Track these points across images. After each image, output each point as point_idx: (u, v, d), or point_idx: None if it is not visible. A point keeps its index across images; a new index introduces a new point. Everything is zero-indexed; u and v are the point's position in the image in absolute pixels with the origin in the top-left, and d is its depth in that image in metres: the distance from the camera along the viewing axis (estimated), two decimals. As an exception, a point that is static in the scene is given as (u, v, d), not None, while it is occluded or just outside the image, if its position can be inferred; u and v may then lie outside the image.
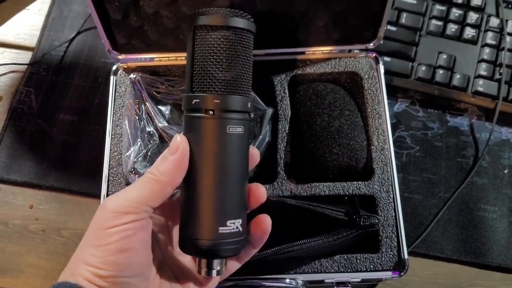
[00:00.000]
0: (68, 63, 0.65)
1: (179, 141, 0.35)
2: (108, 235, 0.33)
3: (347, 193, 0.50)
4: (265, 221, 0.39)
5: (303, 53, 0.55)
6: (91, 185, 0.58)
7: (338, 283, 0.47)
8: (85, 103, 0.63)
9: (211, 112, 0.35)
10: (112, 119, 0.53)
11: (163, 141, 0.52)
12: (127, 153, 0.50)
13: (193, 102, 0.36)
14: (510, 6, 0.63)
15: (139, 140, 0.51)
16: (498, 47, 0.61)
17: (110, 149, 0.52)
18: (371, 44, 0.54)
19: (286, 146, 0.52)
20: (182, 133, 0.37)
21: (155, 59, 0.55)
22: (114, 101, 0.54)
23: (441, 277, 0.55)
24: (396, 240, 0.48)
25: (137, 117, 0.52)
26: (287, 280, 0.47)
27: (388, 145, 0.52)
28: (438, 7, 0.63)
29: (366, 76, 0.54)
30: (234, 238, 0.36)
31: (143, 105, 0.53)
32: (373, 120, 0.53)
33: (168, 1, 0.48)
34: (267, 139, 0.52)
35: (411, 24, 0.62)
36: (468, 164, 0.59)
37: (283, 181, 0.50)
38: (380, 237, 0.48)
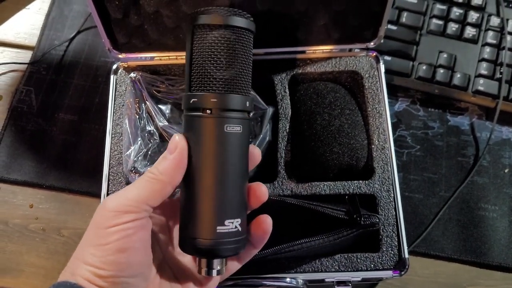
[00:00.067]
0: (68, 62, 0.65)
1: (177, 140, 0.35)
2: (108, 234, 0.33)
3: (347, 192, 0.50)
4: (266, 222, 0.38)
5: (303, 52, 0.55)
6: (91, 184, 0.58)
7: (339, 282, 0.47)
8: (85, 102, 0.63)
9: (208, 111, 0.35)
10: (113, 118, 0.53)
11: (164, 140, 0.52)
12: (127, 152, 0.50)
13: (191, 101, 0.36)
14: (510, 5, 0.63)
15: (139, 139, 0.51)
16: (498, 46, 0.61)
17: (110, 148, 0.52)
18: (372, 43, 0.54)
19: (286, 145, 0.52)
20: (182, 132, 0.37)
21: (156, 58, 0.55)
22: (115, 100, 0.54)
23: (442, 277, 0.55)
24: (396, 239, 0.48)
25: (137, 116, 0.52)
26: (288, 279, 0.47)
27: (388, 144, 0.52)
28: (439, 6, 0.63)
29: (367, 75, 0.54)
30: (233, 237, 0.36)
31: (143, 104, 0.52)
32: (374, 119, 0.53)
33: (169, 0, 0.48)
34: (267, 138, 0.52)
35: (412, 23, 0.62)
36: (468, 163, 0.59)
37: (284, 180, 0.50)
38: (380, 236, 0.48)
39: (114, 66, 0.55)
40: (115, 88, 0.54)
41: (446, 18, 0.63)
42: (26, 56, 0.66)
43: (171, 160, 0.35)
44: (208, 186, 0.35)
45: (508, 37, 0.61)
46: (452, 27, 0.62)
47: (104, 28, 0.51)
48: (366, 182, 0.50)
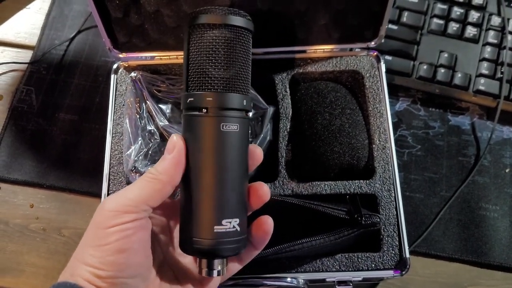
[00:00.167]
0: (69, 62, 0.65)
1: (175, 140, 0.36)
2: (107, 234, 0.33)
3: (348, 192, 0.50)
4: (267, 223, 0.38)
5: (304, 51, 0.55)
6: (92, 184, 0.58)
7: (340, 282, 0.47)
8: (86, 102, 0.63)
9: (205, 110, 0.35)
10: (113, 118, 0.53)
11: (164, 140, 0.52)
12: (128, 152, 0.50)
13: (188, 101, 0.36)
14: (511, 4, 0.63)
15: (140, 138, 0.51)
16: (499, 46, 0.61)
17: (111, 148, 0.52)
18: (373, 43, 0.54)
19: (287, 145, 0.52)
20: (181, 132, 0.37)
21: (156, 57, 0.55)
22: (115, 100, 0.54)
23: (443, 276, 0.55)
24: (397, 239, 0.48)
25: (137, 116, 0.52)
26: (288, 279, 0.47)
27: (389, 144, 0.52)
28: (440, 5, 0.63)
29: (368, 75, 0.54)
30: (232, 237, 0.35)
31: (143, 104, 0.52)
32: (375, 119, 0.53)
33: (169, -1, 0.48)
34: (268, 137, 0.52)
35: (413, 23, 0.62)
36: (469, 163, 0.59)
37: (284, 180, 0.50)
38: (381, 236, 0.48)
39: (115, 66, 0.55)
40: (116, 87, 0.54)
41: (447, 18, 0.63)
42: (26, 55, 0.66)
43: (169, 159, 0.35)
44: (206, 185, 0.35)
45: (509, 37, 0.61)
46: (453, 26, 0.62)
47: (105, 27, 0.51)
48: (367, 181, 0.50)
